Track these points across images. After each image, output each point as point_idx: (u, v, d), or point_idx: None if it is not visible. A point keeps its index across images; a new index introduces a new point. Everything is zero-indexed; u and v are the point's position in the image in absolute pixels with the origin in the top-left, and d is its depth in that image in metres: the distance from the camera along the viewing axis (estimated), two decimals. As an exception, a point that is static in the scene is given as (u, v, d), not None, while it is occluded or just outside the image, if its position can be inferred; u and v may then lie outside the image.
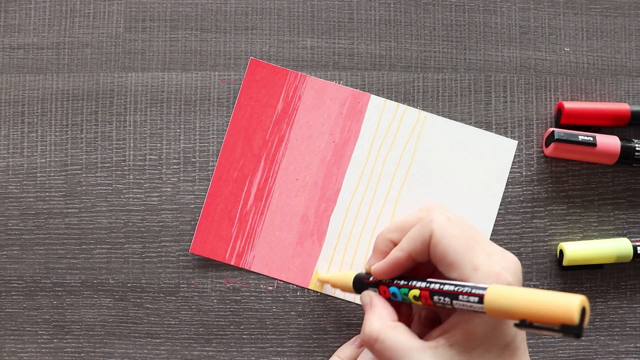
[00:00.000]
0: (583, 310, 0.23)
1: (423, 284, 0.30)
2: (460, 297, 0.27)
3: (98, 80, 0.41)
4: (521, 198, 0.40)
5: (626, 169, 0.41)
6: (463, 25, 0.41)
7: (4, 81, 0.41)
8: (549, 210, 0.40)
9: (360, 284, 0.34)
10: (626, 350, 0.40)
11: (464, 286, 0.27)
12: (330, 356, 0.38)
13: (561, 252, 0.39)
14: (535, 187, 0.40)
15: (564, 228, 0.40)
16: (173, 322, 0.40)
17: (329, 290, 0.40)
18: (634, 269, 0.40)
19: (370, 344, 0.31)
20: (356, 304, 0.40)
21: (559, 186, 0.40)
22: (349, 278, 0.35)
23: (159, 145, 0.41)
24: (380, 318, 0.31)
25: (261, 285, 0.40)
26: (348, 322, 0.40)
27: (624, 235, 0.40)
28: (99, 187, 0.40)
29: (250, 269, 0.40)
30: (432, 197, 0.40)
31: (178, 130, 0.41)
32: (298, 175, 0.40)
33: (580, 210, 0.40)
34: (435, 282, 0.29)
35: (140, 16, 0.41)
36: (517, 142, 0.40)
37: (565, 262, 0.39)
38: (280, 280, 0.40)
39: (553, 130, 0.39)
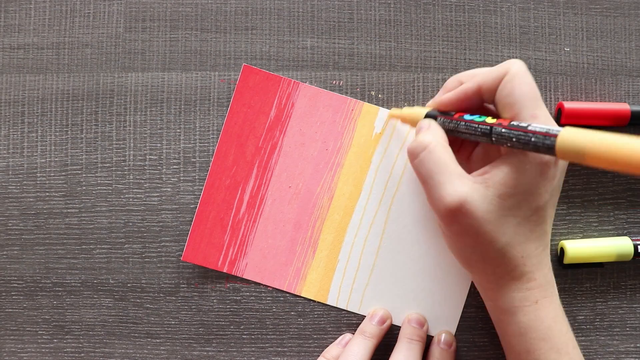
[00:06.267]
0: None
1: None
2: (536, 127, 0.28)
3: (98, 80, 0.41)
4: (521, 198, 0.40)
5: (626, 169, 0.41)
6: (463, 25, 0.41)
7: (4, 81, 0.41)
8: (549, 210, 0.40)
9: (433, 118, 0.34)
10: (626, 350, 0.40)
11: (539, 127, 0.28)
12: (318, 357, 0.38)
13: (562, 250, 0.39)
14: (535, 187, 0.40)
15: (564, 228, 0.40)
16: (173, 322, 0.40)
17: (322, 298, 0.40)
18: (634, 269, 0.40)
19: (417, 152, 0.31)
20: (356, 304, 0.40)
21: (559, 186, 0.41)
22: (420, 113, 0.35)
23: (159, 145, 0.41)
24: (435, 135, 0.32)
25: (261, 285, 0.40)
26: (348, 322, 0.40)
27: (624, 235, 0.40)
28: (99, 187, 0.40)
29: (243, 277, 0.40)
30: (425, 205, 0.40)
31: (178, 130, 0.41)
32: (291, 182, 0.40)
33: (580, 210, 0.40)
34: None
35: (140, 16, 0.41)
36: None
37: (566, 260, 0.39)
38: (273, 288, 0.40)
39: (553, 130, 0.39)
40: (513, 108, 0.30)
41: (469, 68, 0.41)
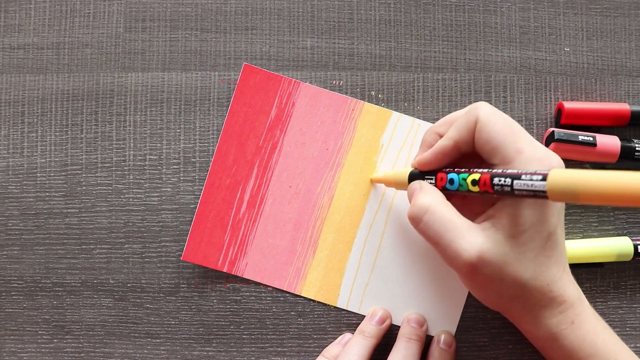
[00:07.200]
0: None
1: (484, 170, 0.30)
2: (523, 177, 0.27)
3: (98, 80, 0.41)
4: (521, 198, 0.40)
5: (626, 169, 0.41)
6: (463, 25, 0.41)
7: (4, 81, 0.41)
8: (549, 210, 0.40)
9: (417, 177, 0.33)
10: (626, 350, 0.40)
11: (525, 170, 0.27)
12: (318, 356, 0.38)
13: (561, 252, 0.39)
14: (535, 187, 0.40)
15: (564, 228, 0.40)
16: (173, 322, 0.40)
17: (322, 297, 0.40)
18: (634, 269, 0.40)
19: (419, 216, 0.31)
20: (356, 304, 0.40)
21: (559, 186, 0.40)
22: (404, 174, 0.35)
23: (159, 145, 0.41)
24: (432, 195, 0.32)
25: (261, 285, 0.40)
26: (348, 322, 0.40)
27: (624, 235, 0.40)
28: (99, 187, 0.40)
29: (243, 276, 0.40)
30: None
31: (178, 130, 0.41)
32: (291, 182, 0.40)
33: (580, 210, 0.40)
34: (496, 169, 0.29)
35: (140, 16, 0.41)
36: None
37: (565, 262, 0.39)
38: (272, 287, 0.40)
39: (553, 130, 0.39)
40: (497, 151, 0.30)
41: (469, 68, 0.41)
